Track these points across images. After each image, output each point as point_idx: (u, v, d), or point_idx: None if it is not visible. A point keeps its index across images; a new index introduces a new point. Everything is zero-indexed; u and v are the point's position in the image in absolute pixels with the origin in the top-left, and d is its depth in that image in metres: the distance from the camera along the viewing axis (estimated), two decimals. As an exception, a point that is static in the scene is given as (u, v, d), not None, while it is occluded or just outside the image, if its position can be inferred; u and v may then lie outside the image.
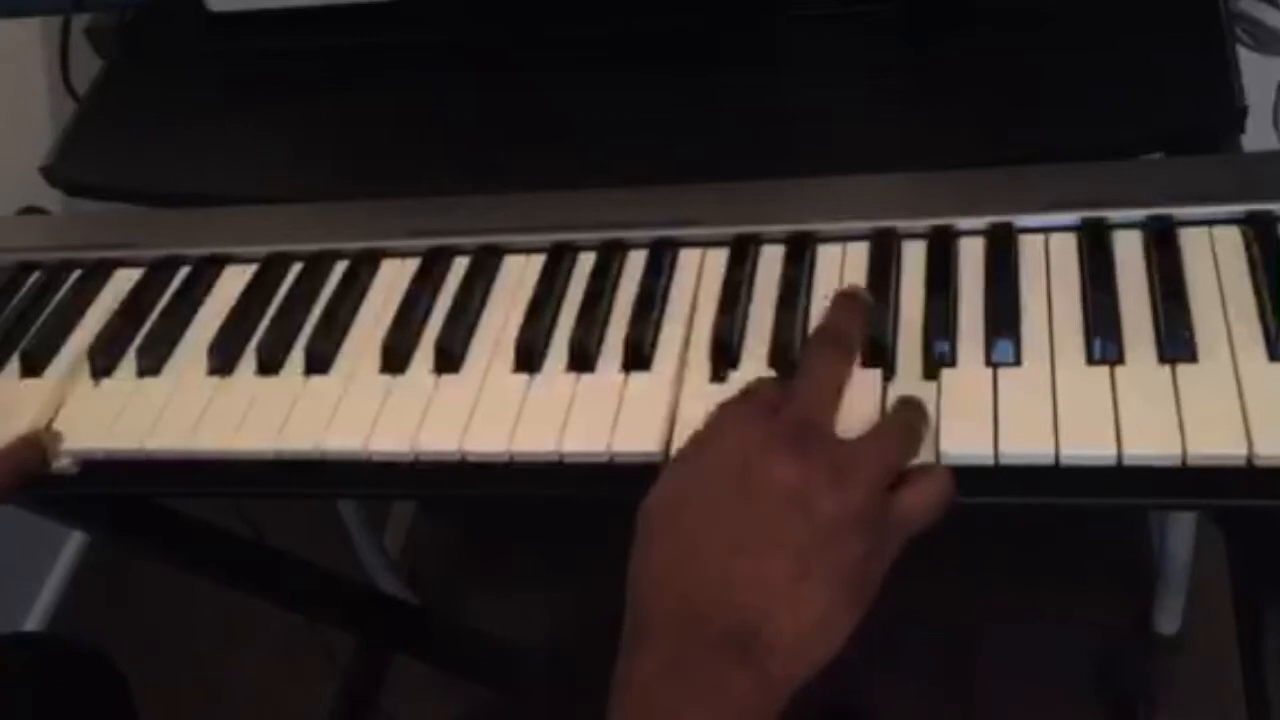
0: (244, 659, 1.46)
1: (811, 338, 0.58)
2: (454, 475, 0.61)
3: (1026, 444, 0.54)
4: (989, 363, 0.57)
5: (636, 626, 0.48)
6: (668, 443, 0.58)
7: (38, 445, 0.65)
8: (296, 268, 0.73)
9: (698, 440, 0.52)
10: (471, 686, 1.36)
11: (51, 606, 1.57)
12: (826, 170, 0.68)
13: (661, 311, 0.64)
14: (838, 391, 0.54)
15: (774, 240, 0.66)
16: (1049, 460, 0.53)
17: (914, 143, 0.72)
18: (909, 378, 0.58)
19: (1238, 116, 0.68)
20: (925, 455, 0.54)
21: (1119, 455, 0.52)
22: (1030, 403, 0.55)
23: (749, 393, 0.55)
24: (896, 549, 0.50)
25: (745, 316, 0.63)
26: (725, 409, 0.53)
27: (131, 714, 0.91)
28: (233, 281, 0.73)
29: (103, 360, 0.69)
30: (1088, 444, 0.53)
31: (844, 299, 0.59)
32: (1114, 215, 0.62)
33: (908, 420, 0.54)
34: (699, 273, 0.66)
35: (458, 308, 0.67)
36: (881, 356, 0.58)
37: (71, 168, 0.86)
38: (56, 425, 0.67)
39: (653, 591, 0.49)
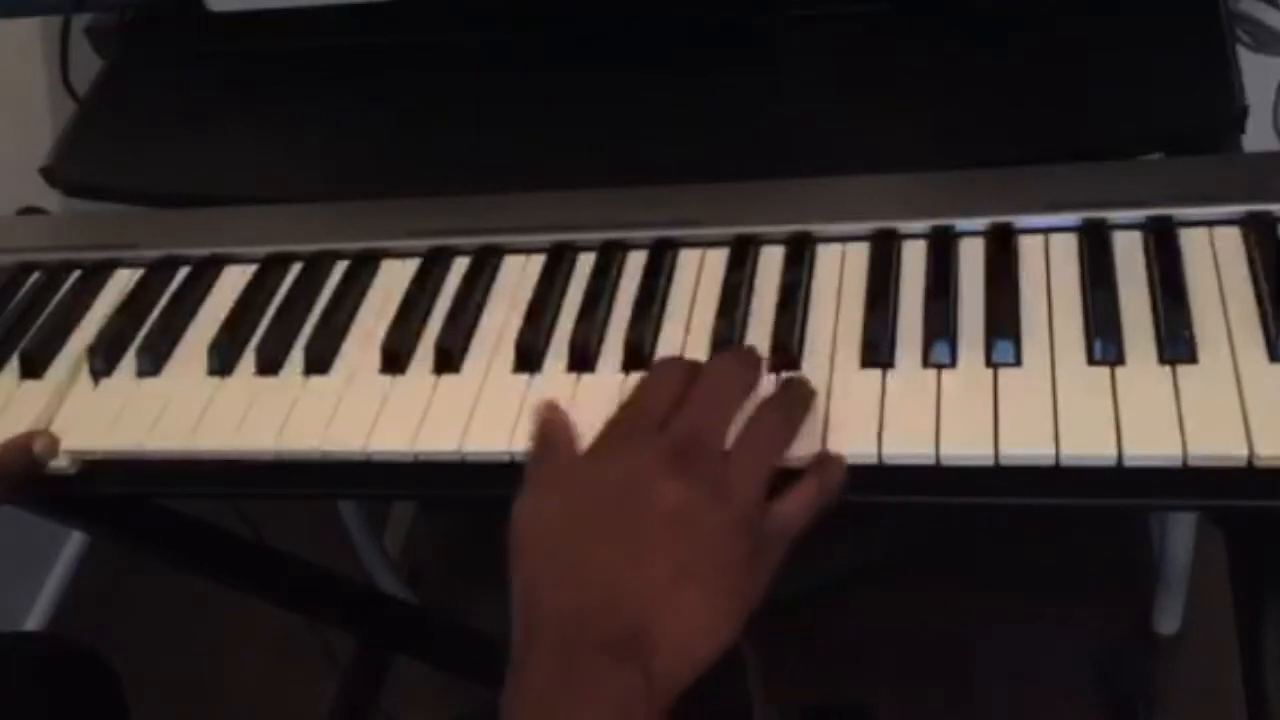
0: (244, 659, 1.45)
1: (716, 352, 0.59)
2: (454, 475, 0.61)
3: (1027, 444, 0.54)
4: (989, 363, 0.57)
5: (523, 641, 0.49)
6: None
7: (25, 449, 0.64)
8: (296, 268, 0.73)
9: (582, 456, 0.54)
10: (471, 686, 1.35)
11: (51, 606, 1.57)
12: (826, 170, 0.68)
13: (661, 312, 0.64)
14: (730, 401, 0.55)
15: (774, 240, 0.66)
16: (1049, 461, 0.53)
17: (914, 143, 0.72)
18: (908, 378, 0.58)
19: (1238, 116, 0.68)
20: (926, 458, 0.54)
21: (1119, 456, 0.52)
22: (1030, 403, 0.55)
23: (642, 395, 0.56)
24: (780, 552, 0.52)
25: (745, 317, 0.63)
26: (612, 429, 0.54)
27: (123, 712, 0.91)
28: (233, 281, 0.73)
29: (102, 360, 0.69)
30: (1088, 444, 0.53)
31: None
32: (1114, 215, 0.62)
33: (781, 413, 0.55)
34: (699, 273, 0.66)
35: (458, 308, 0.67)
36: (881, 357, 0.58)
37: (71, 168, 0.86)
38: (56, 426, 0.67)
39: (539, 606, 0.50)
